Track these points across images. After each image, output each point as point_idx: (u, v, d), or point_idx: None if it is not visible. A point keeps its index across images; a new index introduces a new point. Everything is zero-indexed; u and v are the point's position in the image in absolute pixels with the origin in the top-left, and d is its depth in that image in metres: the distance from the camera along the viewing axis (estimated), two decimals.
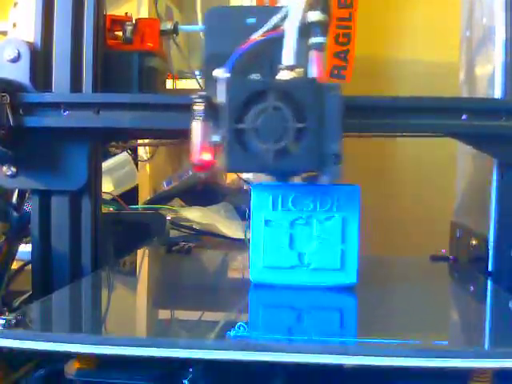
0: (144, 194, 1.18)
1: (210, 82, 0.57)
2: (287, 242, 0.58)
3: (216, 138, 0.53)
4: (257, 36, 0.57)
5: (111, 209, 0.97)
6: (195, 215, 1.04)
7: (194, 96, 0.54)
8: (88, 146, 0.64)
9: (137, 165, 1.21)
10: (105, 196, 0.94)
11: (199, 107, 0.54)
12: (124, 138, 0.85)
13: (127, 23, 0.68)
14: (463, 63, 0.84)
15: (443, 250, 0.81)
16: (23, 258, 0.76)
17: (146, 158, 1.19)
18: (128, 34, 0.68)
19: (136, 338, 0.46)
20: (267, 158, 0.52)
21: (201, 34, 0.99)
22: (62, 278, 0.64)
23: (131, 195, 1.17)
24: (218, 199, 1.16)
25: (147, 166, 1.19)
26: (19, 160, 0.63)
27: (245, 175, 1.19)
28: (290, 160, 0.52)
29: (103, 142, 0.70)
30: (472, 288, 0.67)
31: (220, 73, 0.56)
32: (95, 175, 0.66)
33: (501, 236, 0.64)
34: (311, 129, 0.52)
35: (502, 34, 0.64)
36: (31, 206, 0.66)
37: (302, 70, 0.55)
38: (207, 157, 0.54)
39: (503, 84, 0.63)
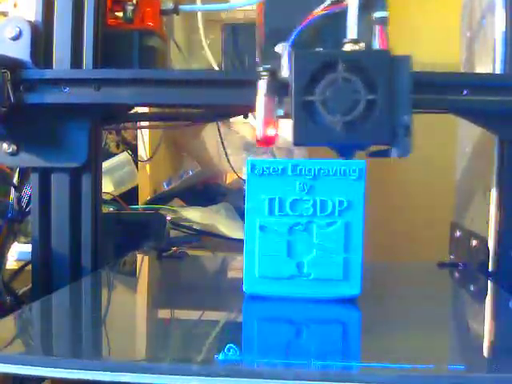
0: (144, 194, 1.18)
1: (270, 57, 0.56)
2: (285, 250, 0.54)
3: (280, 113, 0.53)
4: (319, 10, 0.57)
5: (111, 209, 0.97)
6: (195, 215, 1.04)
7: (258, 69, 0.54)
8: (89, 123, 0.63)
9: (137, 165, 1.21)
10: (105, 196, 0.94)
11: (264, 81, 0.53)
12: (124, 118, 0.85)
13: (128, 3, 0.68)
14: (463, 63, 0.84)
15: (451, 256, 0.81)
16: (23, 258, 0.76)
17: (145, 158, 1.19)
18: (129, 13, 0.68)
19: (114, 362, 0.41)
20: (336, 131, 0.51)
21: (201, 32, 0.99)
22: (62, 278, 0.64)
23: (131, 195, 1.17)
24: (217, 199, 1.16)
25: (147, 166, 1.19)
26: (20, 138, 0.63)
27: (245, 175, 1.18)
28: (360, 133, 0.51)
29: (104, 120, 0.69)
30: (476, 292, 0.65)
31: (282, 47, 0.55)
32: (96, 154, 0.66)
33: (501, 236, 0.64)
34: (382, 101, 0.51)
35: (501, 6, 0.63)
36: (31, 187, 0.66)
37: (364, 44, 0.54)
38: (271, 132, 0.53)
39: (503, 59, 0.63)
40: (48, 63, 0.63)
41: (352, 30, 0.55)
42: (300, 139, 0.52)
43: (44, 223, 0.65)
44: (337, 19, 0.56)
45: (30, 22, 0.62)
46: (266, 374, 0.38)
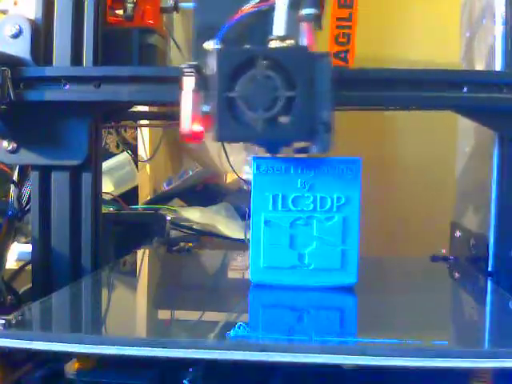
0: (144, 194, 1.18)
1: (200, 54, 0.56)
2: (287, 242, 0.58)
3: (206, 108, 0.53)
4: (247, 7, 0.57)
5: (111, 209, 0.97)
6: (195, 215, 1.04)
7: (183, 66, 0.54)
8: (88, 120, 0.64)
9: (137, 165, 1.21)
10: (105, 196, 0.94)
11: (189, 77, 0.54)
12: (124, 116, 0.85)
13: (128, 1, 0.68)
14: (463, 63, 0.84)
15: (443, 251, 0.81)
16: (23, 258, 0.76)
17: (145, 158, 1.19)
18: (129, 11, 0.68)
19: (136, 338, 0.46)
20: (257, 127, 0.51)
21: None
22: (62, 278, 0.64)
23: (131, 195, 1.17)
24: (217, 199, 1.16)
25: (147, 166, 1.19)
26: (20, 135, 0.63)
27: (245, 175, 1.18)
28: (280, 129, 0.52)
29: (104, 118, 0.70)
30: (472, 288, 0.66)
31: (210, 45, 0.55)
32: (95, 151, 0.66)
33: (501, 236, 0.64)
34: (301, 97, 0.51)
35: (501, 4, 0.63)
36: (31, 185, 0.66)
37: (292, 41, 0.54)
38: (197, 127, 0.54)
39: (503, 56, 0.63)
40: (48, 61, 0.63)
41: (279, 27, 0.55)
42: (222, 135, 0.53)
43: (44, 221, 0.65)
44: (267, 17, 0.56)
45: (29, 19, 0.62)
46: (272, 347, 0.42)
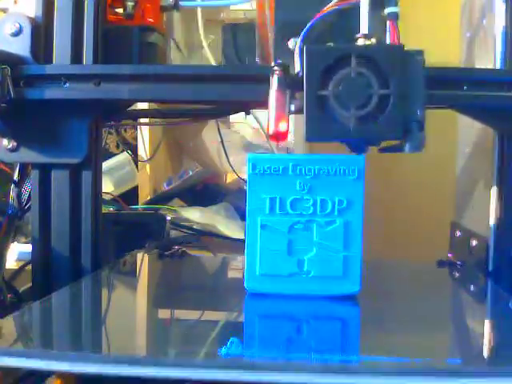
0: (144, 194, 1.18)
1: (281, 51, 0.56)
2: (285, 248, 0.54)
3: (292, 108, 0.53)
4: (331, 5, 0.56)
5: (111, 209, 0.97)
6: (195, 215, 1.04)
7: (271, 65, 0.54)
8: (89, 118, 0.63)
9: (137, 165, 1.21)
10: (105, 196, 0.94)
11: (276, 76, 0.53)
12: (124, 115, 0.85)
13: None
14: (463, 63, 0.84)
15: (449, 255, 0.80)
16: (23, 258, 0.76)
17: (145, 158, 1.19)
18: (129, 9, 0.68)
19: (119, 356, 0.42)
20: (349, 126, 0.51)
21: (200, 32, 0.99)
22: (62, 278, 0.64)
23: (131, 195, 1.17)
24: (217, 199, 1.16)
25: (147, 166, 1.19)
26: (20, 134, 0.63)
27: (245, 175, 1.19)
28: (373, 128, 0.51)
29: (104, 116, 0.70)
30: (475, 291, 0.65)
31: (294, 43, 0.55)
32: (95, 150, 0.66)
33: (501, 236, 0.64)
34: (395, 95, 0.51)
35: (501, 4, 0.63)
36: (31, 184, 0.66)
37: (376, 39, 0.54)
38: (283, 127, 0.53)
39: (503, 56, 0.63)
40: (48, 59, 0.63)
41: (365, 25, 0.55)
42: (313, 135, 0.52)
43: (44, 221, 0.65)
44: (347, 14, 0.56)
45: (30, 17, 0.62)
46: (267, 366, 0.39)
